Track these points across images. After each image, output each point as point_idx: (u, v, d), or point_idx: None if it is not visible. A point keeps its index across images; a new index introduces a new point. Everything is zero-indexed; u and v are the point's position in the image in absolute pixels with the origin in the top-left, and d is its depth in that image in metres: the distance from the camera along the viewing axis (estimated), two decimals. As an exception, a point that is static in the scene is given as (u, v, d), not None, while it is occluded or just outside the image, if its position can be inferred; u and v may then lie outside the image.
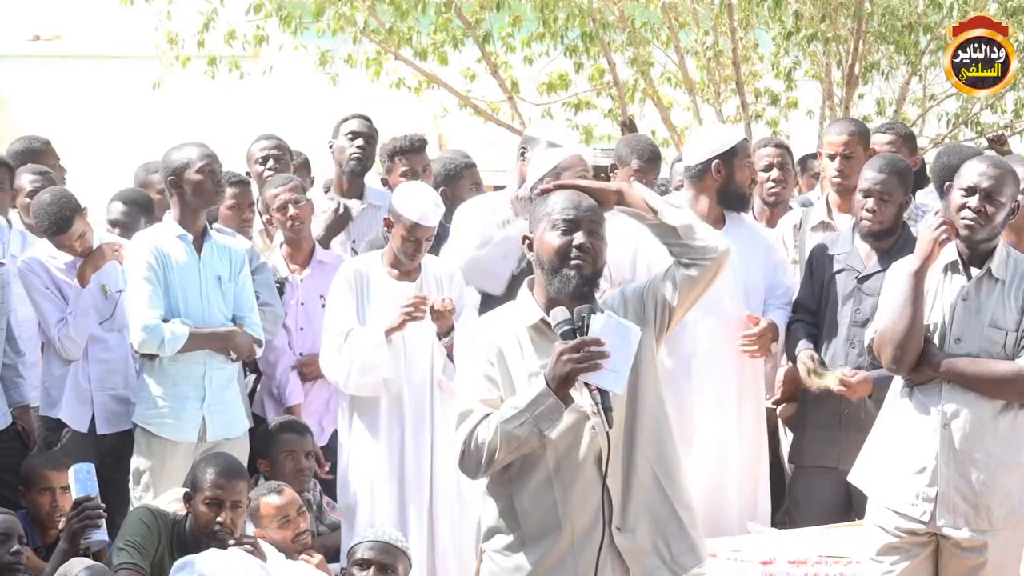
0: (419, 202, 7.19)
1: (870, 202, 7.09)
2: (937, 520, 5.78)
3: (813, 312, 7.34)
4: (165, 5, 12.26)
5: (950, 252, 5.84)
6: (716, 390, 7.10)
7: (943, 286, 5.85)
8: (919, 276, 5.78)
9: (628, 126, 11.89)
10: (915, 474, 5.82)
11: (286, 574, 6.40)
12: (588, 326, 4.65)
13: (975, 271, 5.83)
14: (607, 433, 4.72)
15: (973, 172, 5.80)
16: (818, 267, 7.32)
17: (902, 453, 5.86)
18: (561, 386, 4.64)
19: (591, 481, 4.81)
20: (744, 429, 7.21)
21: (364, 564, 6.32)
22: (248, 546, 6.06)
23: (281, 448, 7.31)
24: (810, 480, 7.34)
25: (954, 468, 5.77)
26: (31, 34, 17.36)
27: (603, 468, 4.78)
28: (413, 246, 7.20)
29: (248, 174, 8.73)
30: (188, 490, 6.29)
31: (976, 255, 5.84)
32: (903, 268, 5.87)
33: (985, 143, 11.53)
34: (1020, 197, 5.92)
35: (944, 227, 5.76)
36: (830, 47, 12.24)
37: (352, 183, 8.55)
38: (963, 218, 5.77)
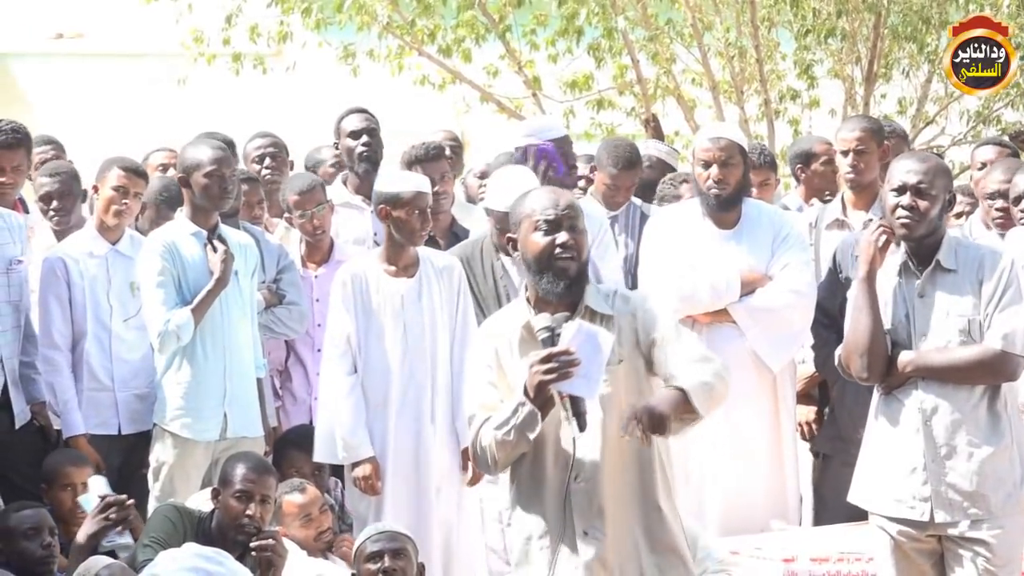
0: (407, 175, 7.27)
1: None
2: (936, 517, 5.76)
3: (834, 311, 7.35)
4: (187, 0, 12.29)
5: (900, 254, 5.84)
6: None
7: (899, 288, 5.85)
8: (868, 283, 5.81)
9: (651, 124, 11.86)
10: (907, 476, 5.80)
11: (308, 572, 6.43)
12: (559, 335, 4.80)
13: (926, 267, 5.82)
14: (573, 439, 4.85)
15: (900, 170, 5.80)
16: (843, 266, 7.32)
17: (891, 459, 5.84)
18: (536, 396, 4.76)
19: (558, 485, 4.94)
20: (763, 426, 7.21)
21: (375, 556, 6.29)
22: (270, 540, 6.07)
23: (288, 465, 7.23)
24: (835, 476, 7.34)
25: (942, 463, 5.76)
26: (53, 32, 17.39)
27: (569, 474, 4.91)
28: (420, 219, 7.08)
29: None
30: (215, 487, 6.31)
31: (924, 251, 5.83)
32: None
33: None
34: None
35: (881, 230, 5.77)
36: (848, 44, 12.22)
37: (367, 180, 8.45)
38: (898, 218, 5.77)
